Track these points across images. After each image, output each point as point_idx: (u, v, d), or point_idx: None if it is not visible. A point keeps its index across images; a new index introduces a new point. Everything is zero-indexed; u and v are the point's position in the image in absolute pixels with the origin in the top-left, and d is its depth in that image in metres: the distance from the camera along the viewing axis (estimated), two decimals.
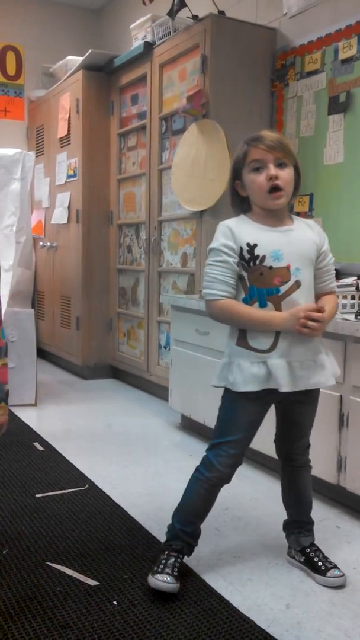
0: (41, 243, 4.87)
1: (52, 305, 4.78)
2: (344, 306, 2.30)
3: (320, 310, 1.61)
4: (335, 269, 2.80)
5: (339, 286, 2.47)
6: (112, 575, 1.76)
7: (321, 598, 1.69)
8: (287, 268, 1.63)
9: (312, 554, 1.82)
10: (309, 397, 1.76)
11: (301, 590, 1.73)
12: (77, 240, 4.29)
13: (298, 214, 3.14)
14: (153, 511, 2.21)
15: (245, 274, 1.65)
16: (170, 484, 2.45)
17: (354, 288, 2.39)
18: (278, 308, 1.64)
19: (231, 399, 1.70)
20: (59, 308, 4.64)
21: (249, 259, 1.63)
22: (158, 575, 1.66)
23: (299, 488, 1.87)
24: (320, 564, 1.79)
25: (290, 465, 1.86)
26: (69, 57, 4.54)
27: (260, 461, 2.66)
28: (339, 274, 2.78)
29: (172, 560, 1.70)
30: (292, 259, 1.64)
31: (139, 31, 3.79)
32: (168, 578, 1.65)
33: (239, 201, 1.73)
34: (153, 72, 3.63)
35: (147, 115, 3.73)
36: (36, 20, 5.06)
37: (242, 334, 1.67)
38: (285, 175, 1.64)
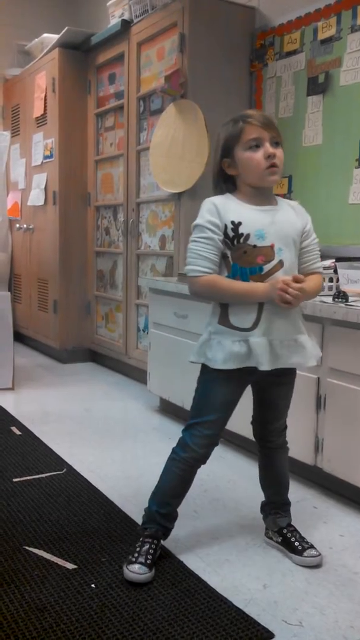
0: (17, 225, 4.80)
1: (29, 288, 4.72)
2: (322, 288, 2.30)
3: (298, 280, 1.60)
4: None
5: None
6: (90, 559, 1.76)
7: (297, 577, 1.71)
8: (271, 247, 1.62)
9: (289, 534, 1.83)
10: (286, 379, 1.76)
11: (278, 571, 1.75)
12: (54, 222, 4.23)
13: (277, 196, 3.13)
14: (131, 494, 2.21)
15: (228, 252, 1.63)
16: (149, 467, 2.44)
17: (331, 270, 2.39)
18: None
19: (207, 379, 1.70)
20: (36, 291, 4.59)
21: (232, 236, 1.62)
22: (130, 566, 1.66)
23: (275, 469, 1.88)
24: (297, 544, 1.81)
25: (266, 447, 1.87)
26: (45, 35, 4.45)
27: (239, 443, 2.68)
28: None
29: (146, 547, 1.70)
30: (275, 238, 1.63)
31: (116, 9, 3.72)
32: (140, 569, 1.65)
33: (222, 180, 1.70)
34: (130, 51, 3.57)
35: (124, 94, 3.68)
36: None
37: (224, 312, 1.66)
38: (280, 154, 1.64)
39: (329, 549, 1.87)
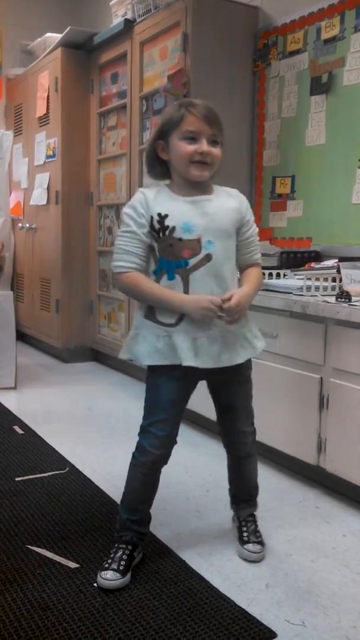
0: (20, 224, 4.80)
1: (32, 288, 4.72)
2: (325, 288, 2.31)
3: (226, 300, 1.57)
4: (316, 251, 2.84)
5: (320, 269, 2.49)
6: (92, 558, 1.76)
7: (300, 578, 1.71)
8: (198, 240, 1.59)
9: (243, 523, 1.85)
10: (234, 377, 1.73)
11: (280, 570, 1.74)
12: (56, 221, 4.24)
13: (280, 196, 3.13)
14: None
15: (155, 245, 1.61)
16: None
17: (334, 270, 2.39)
18: (186, 281, 1.60)
19: (152, 379, 1.69)
20: (39, 290, 4.59)
21: (158, 229, 1.60)
22: (103, 572, 1.63)
23: (242, 476, 1.88)
24: (245, 535, 1.82)
25: (234, 455, 1.86)
26: (48, 34, 4.45)
27: None
28: (320, 256, 2.79)
29: (119, 554, 1.67)
30: (204, 231, 1.60)
31: (119, 8, 3.72)
32: (113, 575, 1.62)
33: (155, 163, 1.67)
34: (133, 50, 3.57)
35: (127, 94, 3.68)
36: None
37: (151, 307, 1.65)
38: (217, 152, 1.60)
39: (332, 549, 1.87)
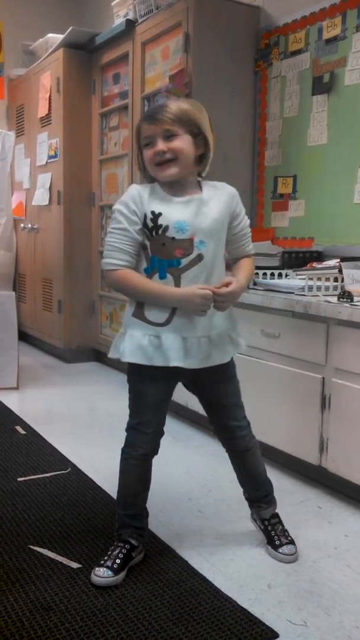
0: (22, 225, 4.81)
1: (34, 288, 4.73)
2: (327, 288, 2.30)
3: (225, 285, 1.58)
4: (318, 251, 2.83)
5: (322, 268, 2.49)
6: (95, 558, 1.76)
7: (302, 577, 1.71)
8: (191, 240, 1.59)
9: (269, 527, 1.84)
10: (221, 375, 1.73)
11: (282, 570, 1.74)
12: (58, 222, 4.24)
13: (282, 195, 3.13)
14: None
15: (147, 243, 1.61)
16: (153, 466, 2.44)
17: (336, 270, 2.39)
18: (177, 281, 1.60)
19: (135, 381, 1.69)
20: (41, 291, 4.60)
21: (151, 227, 1.59)
22: (96, 569, 1.65)
23: (248, 471, 1.86)
24: (275, 537, 1.81)
25: (233, 450, 1.84)
26: (50, 35, 4.45)
27: None
28: (322, 256, 2.79)
29: (116, 552, 1.68)
30: (197, 231, 1.59)
31: (120, 8, 3.72)
32: (105, 572, 1.63)
33: (144, 171, 1.69)
34: (135, 51, 3.58)
35: (129, 94, 3.68)
36: None
37: (140, 304, 1.64)
38: (176, 144, 1.58)
39: (334, 549, 1.87)
